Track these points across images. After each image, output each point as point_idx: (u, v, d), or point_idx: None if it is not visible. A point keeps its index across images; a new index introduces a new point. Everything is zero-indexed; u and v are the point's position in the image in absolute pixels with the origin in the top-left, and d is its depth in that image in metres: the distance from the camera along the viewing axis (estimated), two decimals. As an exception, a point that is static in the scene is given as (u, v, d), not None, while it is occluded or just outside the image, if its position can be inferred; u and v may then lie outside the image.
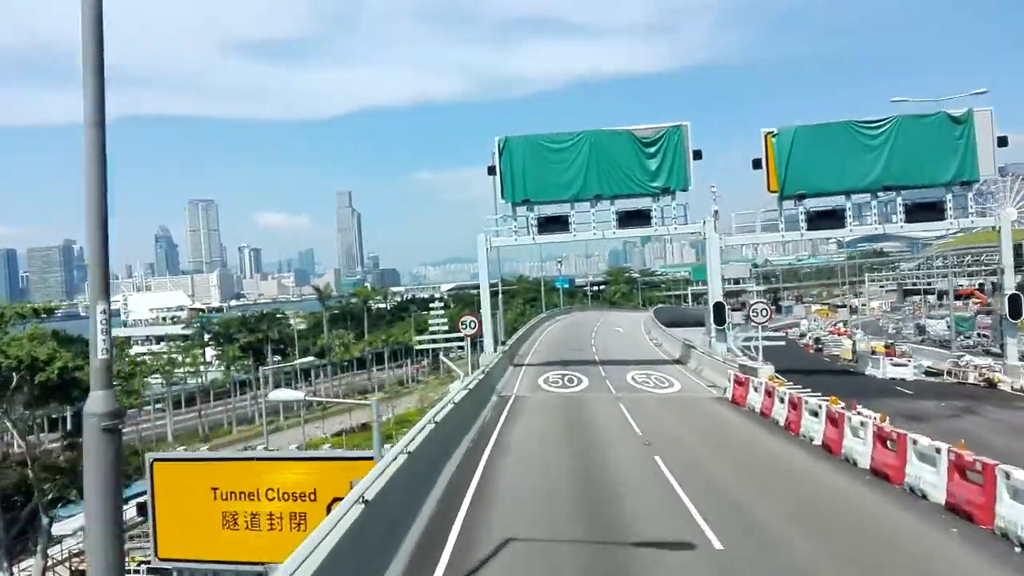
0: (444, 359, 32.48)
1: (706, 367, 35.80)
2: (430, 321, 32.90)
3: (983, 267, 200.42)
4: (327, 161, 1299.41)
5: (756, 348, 32.89)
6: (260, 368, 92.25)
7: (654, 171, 36.91)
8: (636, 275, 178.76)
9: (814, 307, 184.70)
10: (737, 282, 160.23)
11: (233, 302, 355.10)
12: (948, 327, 69.25)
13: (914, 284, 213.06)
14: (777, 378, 26.43)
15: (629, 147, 37.16)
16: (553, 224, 38.12)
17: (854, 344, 56.37)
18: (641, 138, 37.15)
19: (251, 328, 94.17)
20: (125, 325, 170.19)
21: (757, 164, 36.11)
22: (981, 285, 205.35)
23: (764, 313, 28.18)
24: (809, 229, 35.91)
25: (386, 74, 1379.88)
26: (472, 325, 28.37)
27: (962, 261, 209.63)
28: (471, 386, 23.72)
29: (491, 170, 37.67)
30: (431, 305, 32.69)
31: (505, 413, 25.15)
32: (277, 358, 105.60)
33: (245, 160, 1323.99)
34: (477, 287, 72.20)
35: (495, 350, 37.94)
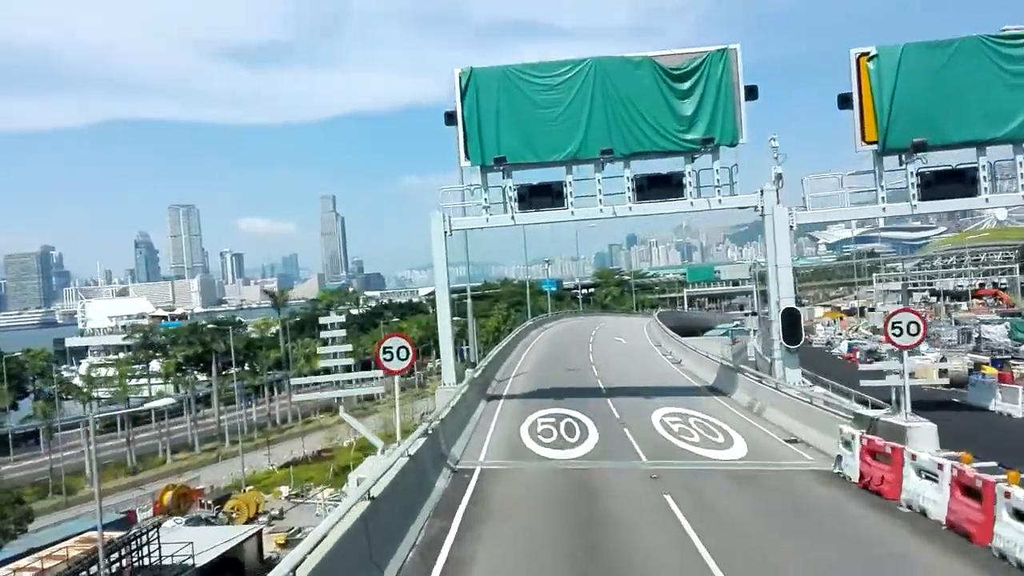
0: (346, 416, 19.46)
1: (768, 405, 23.65)
2: (319, 350, 20.00)
3: (983, 266, 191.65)
4: (312, 166, 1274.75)
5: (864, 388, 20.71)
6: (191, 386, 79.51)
7: (689, 117, 24.68)
8: (627, 277, 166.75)
9: (817, 310, 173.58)
10: (735, 283, 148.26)
11: (199, 309, 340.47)
12: (1008, 334, 57.58)
13: (915, 285, 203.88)
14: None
15: (651, 82, 24.88)
16: (541, 196, 25.72)
17: (943, 361, 43.65)
18: (669, 69, 24.88)
19: (199, 339, 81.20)
20: (82, 334, 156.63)
21: (845, 101, 23.84)
22: (982, 284, 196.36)
23: (915, 330, 15.82)
24: (924, 198, 23.63)
25: (371, 78, 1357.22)
26: (403, 354, 15.78)
27: (961, 261, 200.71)
28: (384, 486, 11.37)
29: (449, 118, 25.29)
30: (322, 322, 18.37)
31: (447, 546, 12.43)
32: (237, 370, 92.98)
33: (229, 165, 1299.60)
34: (464, 290, 58.66)
35: (458, 381, 25.61)
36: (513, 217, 25.48)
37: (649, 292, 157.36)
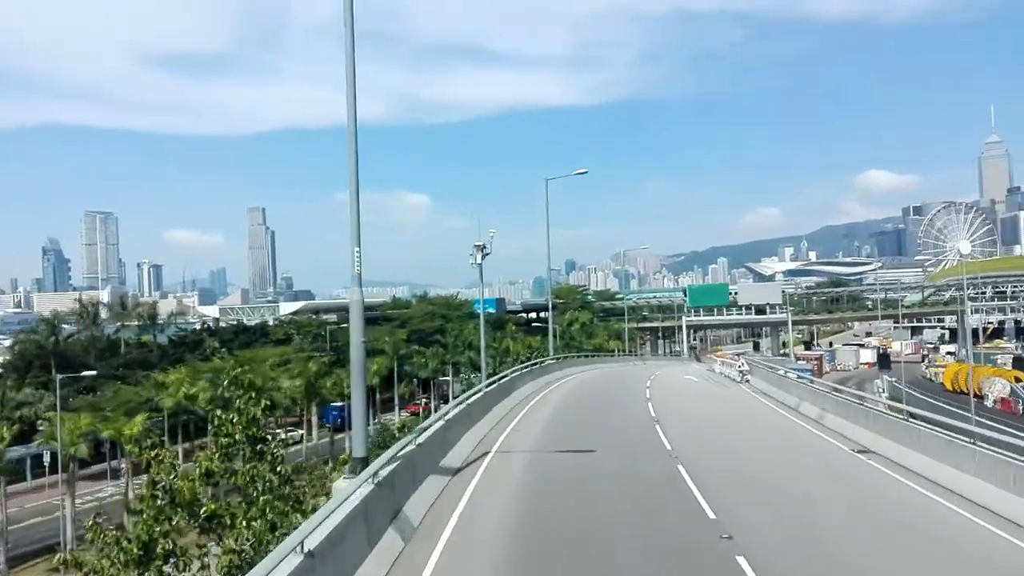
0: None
1: None
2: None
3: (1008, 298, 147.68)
4: (247, 179, 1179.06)
5: None
6: None
7: None
8: (592, 297, 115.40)
9: (838, 344, 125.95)
10: (762, 311, 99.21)
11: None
12: None
13: (920, 320, 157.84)
14: None
15: None
16: None
17: None
18: None
19: None
20: None
21: None
22: (1001, 322, 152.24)
23: None
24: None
25: (308, 93, 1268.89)
26: None
27: (982, 293, 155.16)
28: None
29: None
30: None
31: None
32: None
33: (158, 175, 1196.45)
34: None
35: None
36: None
37: (621, 317, 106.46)
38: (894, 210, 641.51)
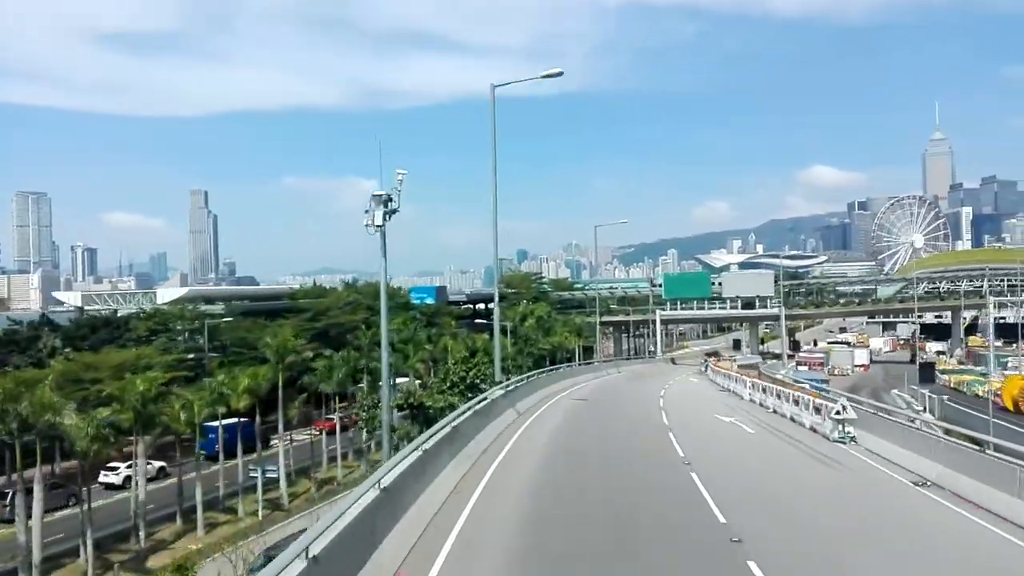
0: None
1: None
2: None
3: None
4: (190, 163, 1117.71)
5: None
6: None
7: None
8: (547, 286, 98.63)
9: (823, 343, 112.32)
10: (750, 304, 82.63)
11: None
12: None
13: (899, 316, 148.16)
14: None
15: None
16: None
17: None
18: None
19: None
20: None
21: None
22: (975, 317, 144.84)
23: None
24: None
25: (260, 76, 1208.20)
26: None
27: (956, 286, 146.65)
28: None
29: None
30: None
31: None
32: None
33: (99, 157, 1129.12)
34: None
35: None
36: None
37: (581, 310, 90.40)
38: (839, 205, 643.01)
